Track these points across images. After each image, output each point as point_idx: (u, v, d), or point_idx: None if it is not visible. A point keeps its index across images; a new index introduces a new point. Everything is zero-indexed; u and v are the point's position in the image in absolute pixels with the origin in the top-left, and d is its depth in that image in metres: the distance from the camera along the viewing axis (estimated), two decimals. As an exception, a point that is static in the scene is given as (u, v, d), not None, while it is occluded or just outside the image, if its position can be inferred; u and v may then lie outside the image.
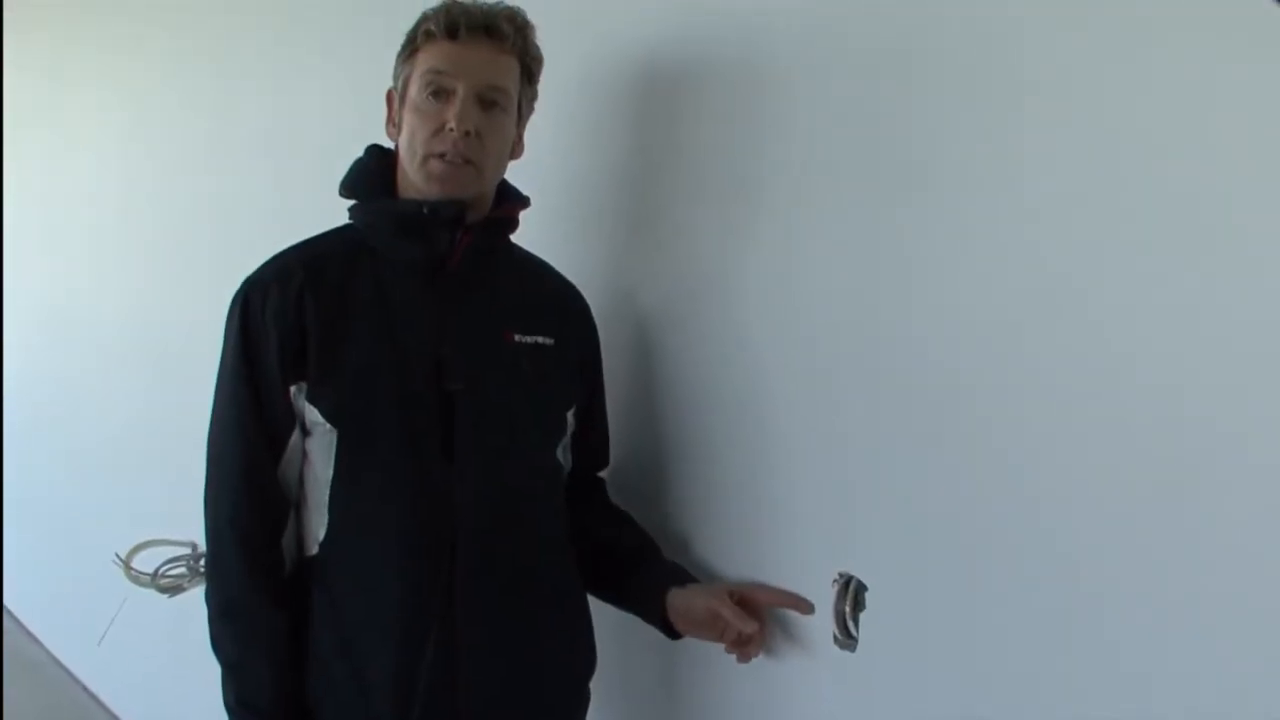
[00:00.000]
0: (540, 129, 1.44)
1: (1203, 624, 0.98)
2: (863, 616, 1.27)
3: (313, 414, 1.30)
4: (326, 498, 1.31)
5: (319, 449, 1.31)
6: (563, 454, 1.47)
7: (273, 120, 2.32)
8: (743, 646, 1.34)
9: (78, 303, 3.27)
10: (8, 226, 3.60)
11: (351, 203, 1.40)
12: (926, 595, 1.21)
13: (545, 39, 1.39)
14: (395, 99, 1.38)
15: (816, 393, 1.32)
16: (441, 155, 1.30)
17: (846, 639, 1.27)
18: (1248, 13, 0.92)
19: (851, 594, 1.27)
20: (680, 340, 1.50)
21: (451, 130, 1.30)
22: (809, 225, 1.32)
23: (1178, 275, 0.99)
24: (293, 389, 1.30)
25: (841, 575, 1.28)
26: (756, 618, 1.32)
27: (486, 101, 1.33)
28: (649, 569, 1.42)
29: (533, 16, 1.37)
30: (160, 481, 2.75)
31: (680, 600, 1.36)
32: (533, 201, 1.44)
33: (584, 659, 1.46)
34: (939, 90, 1.19)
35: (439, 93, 1.31)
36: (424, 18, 1.34)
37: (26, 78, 3.57)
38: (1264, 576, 0.93)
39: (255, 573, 1.31)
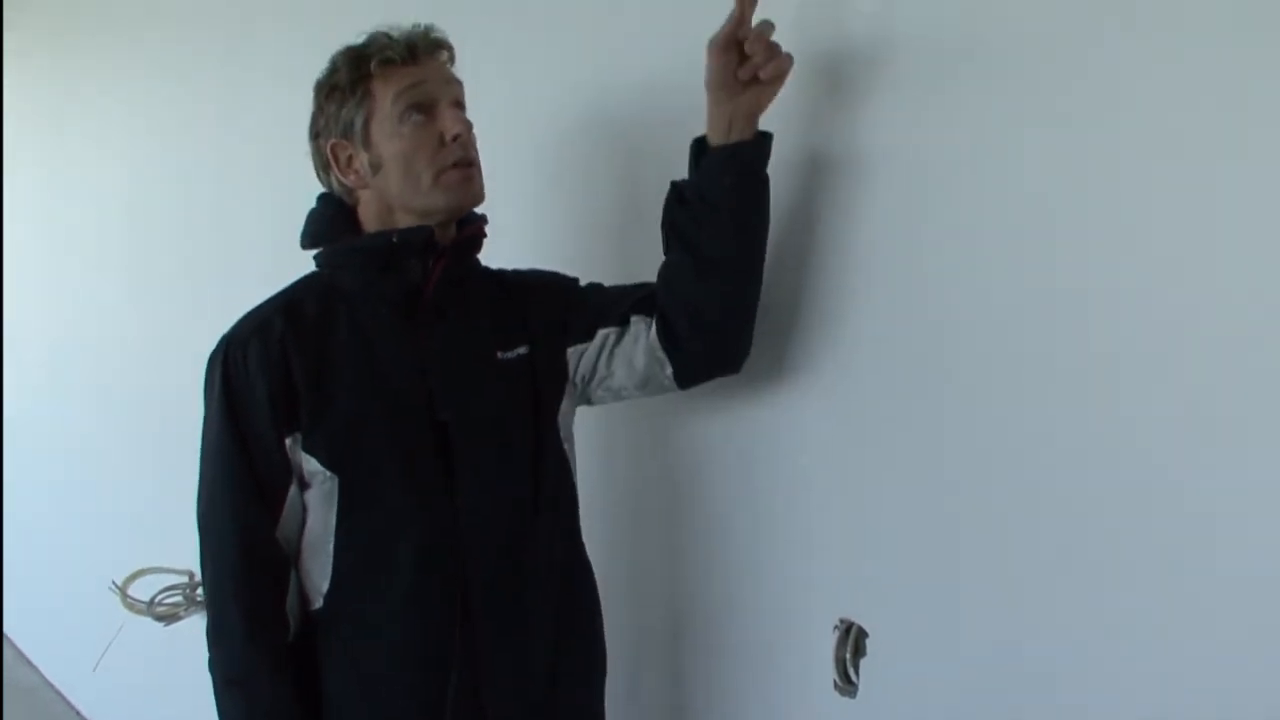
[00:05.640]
0: (547, 130, 1.41)
1: (1208, 681, 0.96)
2: (863, 663, 1.25)
3: (311, 464, 1.27)
4: (330, 547, 1.28)
5: (319, 498, 1.28)
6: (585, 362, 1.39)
7: (280, 168, 2.30)
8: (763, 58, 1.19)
9: (78, 333, 3.27)
10: (8, 262, 3.60)
11: (315, 251, 1.36)
12: (927, 642, 1.19)
13: (547, 44, 1.32)
14: (351, 145, 1.30)
15: (825, 434, 1.30)
16: (455, 165, 1.27)
17: (847, 685, 1.25)
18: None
19: (852, 640, 1.25)
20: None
21: (457, 137, 1.27)
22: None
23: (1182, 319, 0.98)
24: (288, 441, 1.26)
25: (842, 621, 1.26)
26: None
27: (461, 108, 1.32)
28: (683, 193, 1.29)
29: (538, 21, 1.32)
30: (157, 508, 2.74)
31: (709, 119, 1.25)
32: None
33: (600, 669, 1.46)
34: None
35: (420, 109, 1.28)
36: (361, 56, 1.28)
37: (26, 116, 3.58)
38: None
39: (260, 641, 1.27)
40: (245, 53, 2.42)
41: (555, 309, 1.40)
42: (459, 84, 1.33)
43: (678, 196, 1.30)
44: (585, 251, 1.58)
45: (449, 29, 1.34)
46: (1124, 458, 1.01)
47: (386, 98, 1.27)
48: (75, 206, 3.29)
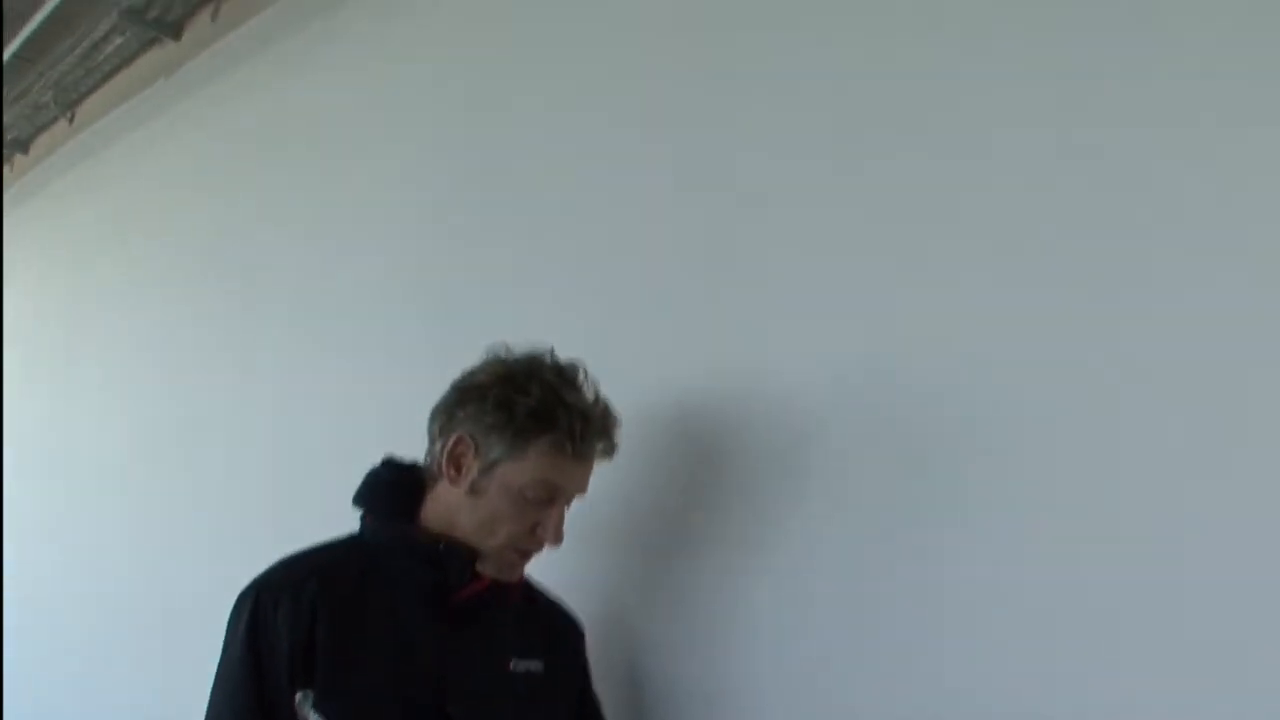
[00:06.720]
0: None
1: None
2: None
3: None
4: None
5: None
6: None
7: (290, 425, 2.32)
8: None
9: (79, 560, 3.14)
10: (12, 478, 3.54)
11: (361, 514, 1.40)
12: None
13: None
14: (475, 457, 1.34)
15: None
16: (524, 552, 1.35)
17: None
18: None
19: None
20: (676, 673, 1.47)
21: (545, 538, 1.33)
22: (819, 575, 1.33)
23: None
24: (298, 695, 1.27)
25: None
26: None
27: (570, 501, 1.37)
28: None
29: (576, 344, 1.37)
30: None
31: None
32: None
33: None
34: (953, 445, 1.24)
35: (543, 496, 1.33)
36: (548, 419, 1.31)
37: (37, 338, 3.63)
38: None
39: None
40: (261, 302, 2.49)
41: (571, 654, 1.45)
42: (588, 476, 1.37)
43: None
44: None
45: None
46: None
47: (530, 470, 1.32)
48: (80, 427, 3.26)
